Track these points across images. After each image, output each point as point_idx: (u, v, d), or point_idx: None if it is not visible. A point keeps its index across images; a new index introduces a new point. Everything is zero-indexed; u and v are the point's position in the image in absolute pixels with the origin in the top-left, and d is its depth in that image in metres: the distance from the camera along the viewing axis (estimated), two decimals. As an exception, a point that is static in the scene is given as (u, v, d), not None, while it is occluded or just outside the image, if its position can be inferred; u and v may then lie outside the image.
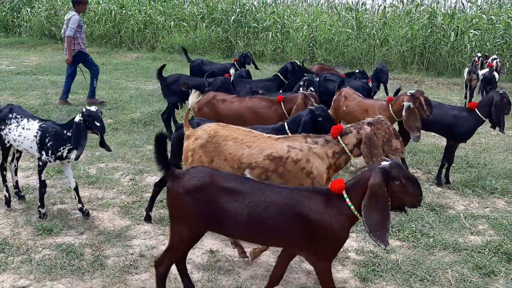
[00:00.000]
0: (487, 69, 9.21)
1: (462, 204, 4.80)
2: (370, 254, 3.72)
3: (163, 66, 6.80)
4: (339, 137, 3.25)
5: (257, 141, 3.25)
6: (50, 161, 4.01)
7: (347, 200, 2.52)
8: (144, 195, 4.69)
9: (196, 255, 3.59)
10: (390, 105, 5.08)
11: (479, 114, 5.03)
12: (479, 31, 14.16)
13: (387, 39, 14.82)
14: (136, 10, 17.72)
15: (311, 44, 15.86)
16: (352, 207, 2.51)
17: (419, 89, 5.08)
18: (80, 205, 4.16)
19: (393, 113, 5.02)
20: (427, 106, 4.85)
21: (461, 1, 15.73)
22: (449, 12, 14.77)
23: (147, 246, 3.71)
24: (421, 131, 4.93)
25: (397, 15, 15.72)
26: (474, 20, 14.54)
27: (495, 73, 9.13)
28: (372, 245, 3.86)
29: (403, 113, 4.81)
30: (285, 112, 4.77)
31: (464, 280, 3.39)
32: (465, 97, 9.69)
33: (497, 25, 13.99)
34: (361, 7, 16.49)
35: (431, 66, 14.18)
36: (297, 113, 4.22)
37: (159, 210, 4.37)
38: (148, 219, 4.13)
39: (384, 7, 16.27)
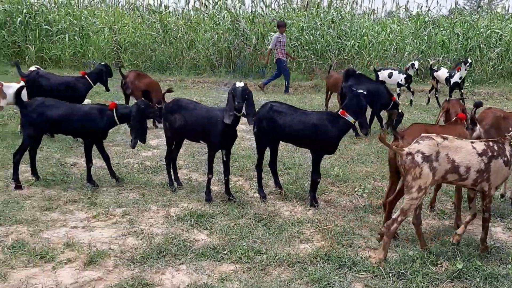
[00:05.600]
0: None
1: (287, 210, 4.73)
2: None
3: None
4: None
5: None
6: None
7: None
8: None
9: None
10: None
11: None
12: (278, 34, 15.06)
13: (194, 43, 14.75)
14: None
15: (115, 48, 14.89)
16: None
17: None
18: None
19: None
20: None
21: (260, 6, 16.57)
22: (250, 17, 15.39)
23: None
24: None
25: (201, 19, 15.77)
26: (271, 24, 15.42)
27: None
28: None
29: None
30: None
31: (303, 299, 3.20)
32: None
33: (293, 28, 15.09)
34: (164, 10, 16.09)
35: (237, 68, 14.59)
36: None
37: None
38: None
39: (188, 10, 16.19)
